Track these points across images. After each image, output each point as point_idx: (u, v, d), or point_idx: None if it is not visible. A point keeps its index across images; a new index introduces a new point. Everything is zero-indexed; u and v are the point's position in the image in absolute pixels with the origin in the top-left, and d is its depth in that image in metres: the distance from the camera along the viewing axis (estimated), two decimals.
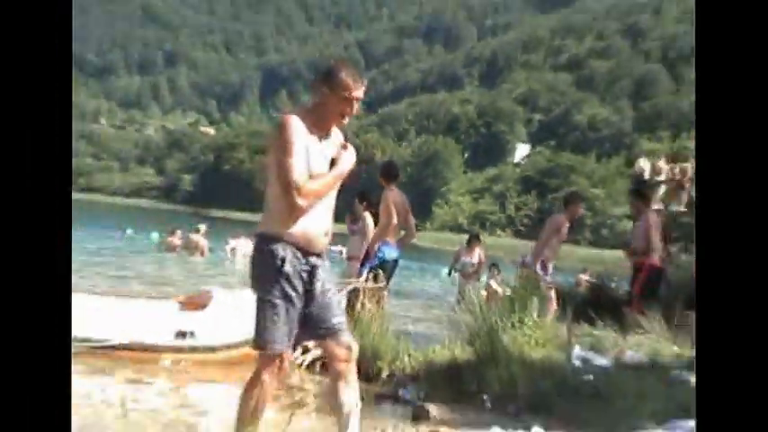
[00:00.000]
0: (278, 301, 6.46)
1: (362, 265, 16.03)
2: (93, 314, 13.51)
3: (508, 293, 15.70)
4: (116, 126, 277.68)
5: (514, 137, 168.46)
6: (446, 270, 24.58)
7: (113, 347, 12.73)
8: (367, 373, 11.66)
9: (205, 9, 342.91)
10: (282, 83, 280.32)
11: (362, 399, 6.94)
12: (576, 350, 12.37)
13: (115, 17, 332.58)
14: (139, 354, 12.83)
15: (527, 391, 10.22)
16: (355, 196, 19.86)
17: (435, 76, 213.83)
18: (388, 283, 14.25)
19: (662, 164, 21.05)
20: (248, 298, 14.57)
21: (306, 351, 13.28)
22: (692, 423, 7.86)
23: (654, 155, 22.36)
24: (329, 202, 6.57)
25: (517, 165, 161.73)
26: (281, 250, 6.35)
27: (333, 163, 6.47)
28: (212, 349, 13.11)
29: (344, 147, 6.65)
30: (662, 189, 20.10)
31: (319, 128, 6.39)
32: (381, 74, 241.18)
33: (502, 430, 7.98)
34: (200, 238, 39.46)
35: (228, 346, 13.14)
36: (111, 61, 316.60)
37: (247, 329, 13.45)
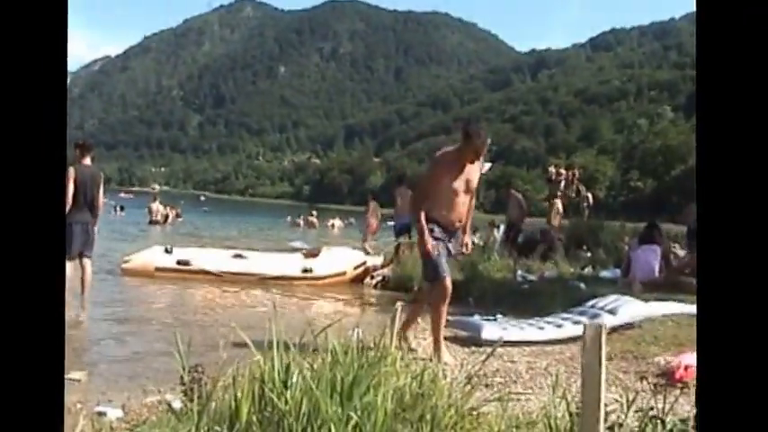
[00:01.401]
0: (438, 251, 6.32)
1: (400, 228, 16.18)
2: (262, 260, 13.86)
3: (481, 244, 15.87)
4: (268, 161, 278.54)
5: (482, 159, 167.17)
6: None
7: (272, 278, 12.95)
8: (406, 287, 11.74)
9: (313, 96, 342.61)
10: (356, 135, 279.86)
11: (403, 302, 6.92)
12: (519, 272, 12.36)
13: (265, 102, 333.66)
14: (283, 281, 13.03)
15: (492, 295, 10.25)
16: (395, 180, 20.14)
17: (438, 127, 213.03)
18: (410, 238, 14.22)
19: (561, 170, 21.22)
20: (337, 252, 14.90)
21: (372, 278, 13.56)
22: (581, 309, 7.85)
23: (557, 166, 22.32)
24: (464, 204, 6.50)
25: (484, 175, 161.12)
26: (431, 224, 6.32)
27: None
28: (322, 278, 13.37)
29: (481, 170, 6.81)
30: (562, 183, 20.24)
31: (459, 162, 6.29)
32: (409, 128, 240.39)
33: (479, 317, 7.94)
34: (314, 220, 39.77)
35: (330, 276, 13.43)
36: (264, 126, 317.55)
37: (339, 268, 13.77)
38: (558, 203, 19.98)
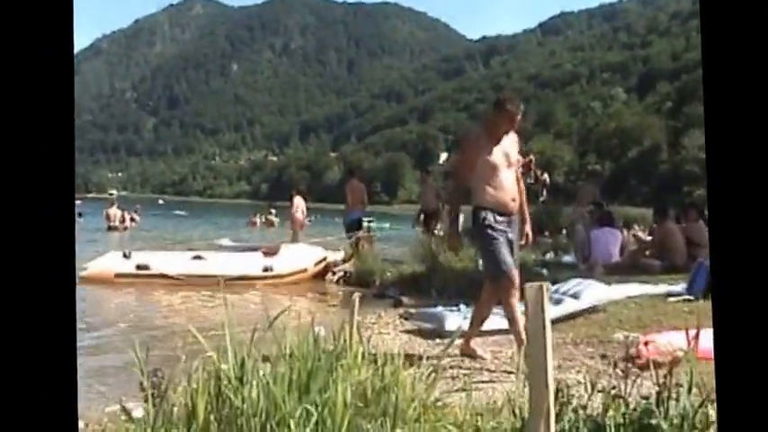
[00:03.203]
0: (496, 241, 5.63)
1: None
2: (222, 261, 13.81)
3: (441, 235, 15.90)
4: (224, 161, 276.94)
5: (438, 149, 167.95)
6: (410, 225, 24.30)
7: (233, 278, 12.90)
8: (367, 282, 11.77)
9: (267, 93, 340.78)
10: (311, 130, 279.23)
11: (364, 296, 6.88)
12: (480, 262, 12.38)
13: (219, 101, 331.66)
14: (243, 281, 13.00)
15: (454, 286, 10.27)
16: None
17: (393, 119, 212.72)
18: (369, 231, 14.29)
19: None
20: (296, 249, 14.86)
21: (333, 273, 13.55)
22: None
23: None
24: (512, 181, 5.78)
25: (441, 164, 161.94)
26: (483, 213, 5.67)
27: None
28: (283, 276, 13.38)
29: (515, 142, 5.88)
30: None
31: (494, 135, 5.64)
32: (364, 120, 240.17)
33: (442, 308, 7.96)
34: (273, 218, 39.54)
35: (291, 273, 13.45)
36: (219, 125, 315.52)
37: (299, 265, 13.76)
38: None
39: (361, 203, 16.25)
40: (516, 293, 5.62)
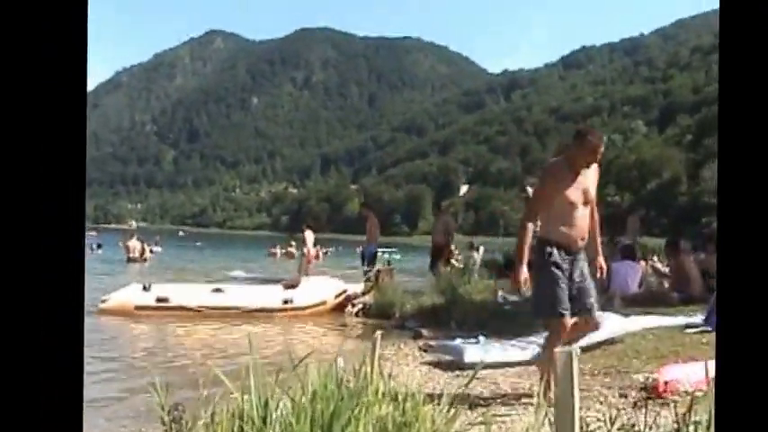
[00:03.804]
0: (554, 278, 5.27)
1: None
2: (241, 293, 13.91)
3: (461, 266, 15.89)
4: (245, 193, 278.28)
5: (459, 182, 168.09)
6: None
7: (253, 311, 12.92)
8: (387, 314, 11.79)
9: (287, 126, 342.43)
10: (332, 163, 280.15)
11: (384, 329, 6.88)
12: (500, 293, 12.36)
13: (239, 133, 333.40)
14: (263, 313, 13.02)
15: (474, 318, 10.25)
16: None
17: (413, 152, 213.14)
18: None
19: None
20: (316, 282, 14.90)
21: (353, 306, 13.53)
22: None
23: (533, 185, 22.43)
24: (585, 218, 5.44)
25: (462, 197, 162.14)
26: (549, 248, 5.32)
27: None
28: (303, 308, 13.41)
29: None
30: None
31: (573, 169, 5.32)
32: (385, 154, 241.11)
33: (462, 340, 7.93)
34: (292, 250, 39.46)
35: (311, 306, 13.48)
36: (239, 158, 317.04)
37: (319, 297, 13.79)
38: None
39: (376, 237, 16.46)
40: (564, 337, 5.32)
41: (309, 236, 19.28)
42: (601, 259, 5.74)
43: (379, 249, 17.40)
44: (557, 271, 5.30)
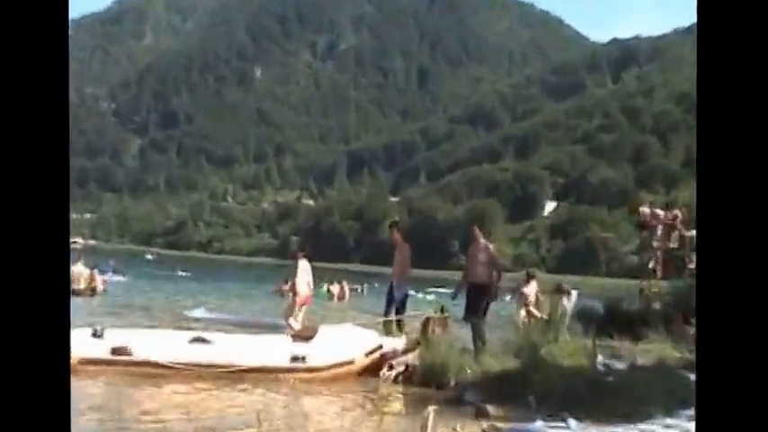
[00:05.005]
0: None
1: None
2: (233, 345, 13.81)
3: (545, 318, 15.81)
4: (240, 203, 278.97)
5: (543, 196, 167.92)
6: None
7: (250, 370, 12.87)
8: (439, 381, 11.80)
9: (303, 110, 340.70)
10: (364, 164, 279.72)
11: (435, 402, 6.89)
12: (600, 358, 12.33)
13: (237, 120, 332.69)
14: (264, 374, 12.97)
15: (562, 391, 10.22)
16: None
17: (480, 152, 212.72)
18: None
19: (658, 210, 21.18)
20: (340, 332, 14.71)
21: (391, 368, 13.41)
22: (691, 411, 7.81)
23: (652, 204, 22.29)
24: None
25: (546, 217, 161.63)
26: None
27: None
28: (321, 369, 13.27)
29: None
30: (659, 230, 20.20)
31: None
32: (439, 153, 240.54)
33: (543, 423, 7.93)
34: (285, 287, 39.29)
35: (333, 366, 13.32)
36: (234, 154, 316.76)
37: (344, 354, 13.63)
38: (656, 257, 19.98)
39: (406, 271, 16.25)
40: None
41: (304, 267, 18.71)
42: None
43: (430, 289, 17.28)
44: None
